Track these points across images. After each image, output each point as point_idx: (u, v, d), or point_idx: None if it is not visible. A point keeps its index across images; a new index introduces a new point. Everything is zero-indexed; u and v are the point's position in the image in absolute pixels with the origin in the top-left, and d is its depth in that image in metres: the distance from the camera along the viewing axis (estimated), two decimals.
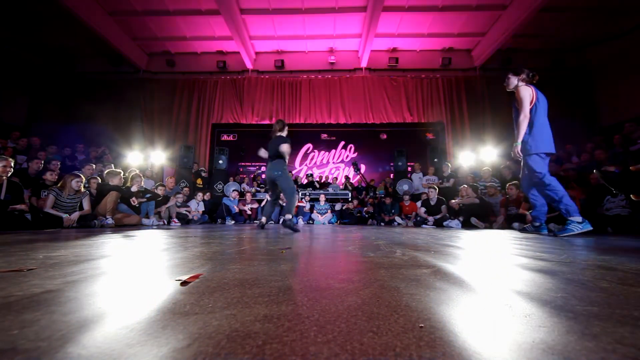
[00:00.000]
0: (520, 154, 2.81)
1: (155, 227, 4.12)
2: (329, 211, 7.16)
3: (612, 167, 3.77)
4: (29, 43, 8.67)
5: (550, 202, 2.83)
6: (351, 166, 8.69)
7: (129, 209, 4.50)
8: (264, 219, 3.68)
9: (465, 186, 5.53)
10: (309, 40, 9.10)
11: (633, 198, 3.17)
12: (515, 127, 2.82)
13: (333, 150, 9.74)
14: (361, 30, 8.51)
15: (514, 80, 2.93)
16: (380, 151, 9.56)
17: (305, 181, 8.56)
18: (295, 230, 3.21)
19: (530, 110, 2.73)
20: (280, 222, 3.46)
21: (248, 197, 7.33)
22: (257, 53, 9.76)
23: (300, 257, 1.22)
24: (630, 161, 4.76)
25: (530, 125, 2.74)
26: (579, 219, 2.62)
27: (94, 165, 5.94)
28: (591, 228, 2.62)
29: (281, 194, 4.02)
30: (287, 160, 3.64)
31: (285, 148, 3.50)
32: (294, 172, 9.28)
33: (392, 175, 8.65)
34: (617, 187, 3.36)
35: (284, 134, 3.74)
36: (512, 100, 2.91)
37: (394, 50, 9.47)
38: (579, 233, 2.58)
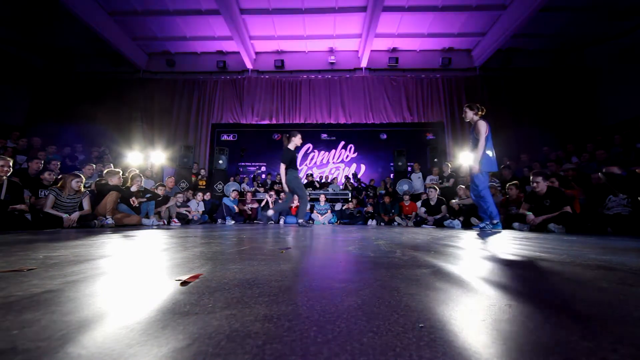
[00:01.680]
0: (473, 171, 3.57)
1: (155, 227, 4.12)
2: (329, 211, 7.16)
3: (615, 168, 3.76)
4: (29, 43, 8.68)
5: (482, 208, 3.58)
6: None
7: (129, 209, 4.50)
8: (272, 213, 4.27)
9: (462, 186, 5.53)
10: (309, 40, 9.10)
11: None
12: (472, 151, 3.63)
13: (333, 150, 9.74)
14: (361, 30, 8.52)
15: (470, 114, 3.62)
16: (380, 151, 9.57)
17: (305, 181, 8.56)
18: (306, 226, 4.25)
19: (486, 138, 3.49)
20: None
21: (248, 197, 7.33)
22: (257, 53, 9.76)
23: (300, 257, 1.22)
24: (634, 158, 4.77)
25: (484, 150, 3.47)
26: (495, 221, 3.49)
27: (94, 166, 5.94)
28: (500, 230, 3.47)
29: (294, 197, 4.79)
30: (287, 168, 4.23)
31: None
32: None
33: (392, 175, 8.66)
34: (623, 190, 3.35)
35: (291, 146, 4.29)
36: (471, 130, 3.64)
37: (394, 50, 9.48)
38: (492, 230, 3.42)
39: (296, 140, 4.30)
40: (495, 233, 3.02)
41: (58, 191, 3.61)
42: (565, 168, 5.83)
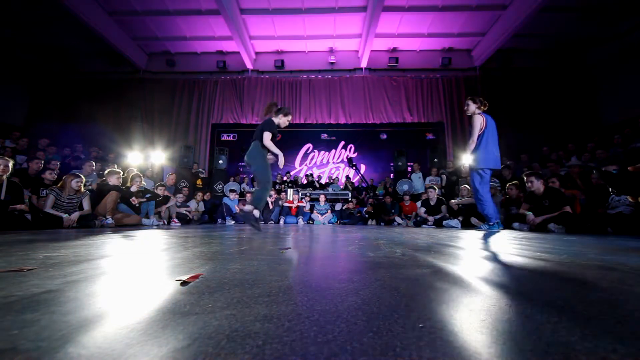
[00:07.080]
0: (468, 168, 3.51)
1: (155, 227, 4.12)
2: (329, 211, 7.16)
3: (612, 167, 3.76)
4: (29, 43, 8.67)
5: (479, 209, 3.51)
6: (350, 167, 8.68)
7: (129, 209, 4.50)
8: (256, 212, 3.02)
9: (466, 185, 5.53)
10: (309, 40, 9.10)
11: (630, 200, 3.16)
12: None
13: (333, 150, 9.74)
14: (361, 30, 8.51)
15: (472, 107, 3.49)
16: (380, 151, 9.57)
17: (305, 181, 8.56)
18: (256, 228, 2.90)
19: (479, 135, 3.39)
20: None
21: (248, 197, 7.32)
22: (257, 53, 9.76)
23: (300, 257, 1.22)
24: (627, 159, 4.76)
25: (477, 146, 3.40)
26: (491, 223, 3.42)
27: (94, 163, 5.92)
28: (499, 230, 3.38)
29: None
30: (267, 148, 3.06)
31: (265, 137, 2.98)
32: (292, 172, 9.26)
33: (392, 175, 8.65)
34: (616, 187, 3.35)
35: (275, 120, 3.15)
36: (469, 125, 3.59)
37: (394, 50, 9.47)
38: (490, 231, 3.33)
39: (283, 119, 3.18)
40: (494, 233, 3.00)
41: (58, 191, 3.61)
42: (571, 164, 5.80)
